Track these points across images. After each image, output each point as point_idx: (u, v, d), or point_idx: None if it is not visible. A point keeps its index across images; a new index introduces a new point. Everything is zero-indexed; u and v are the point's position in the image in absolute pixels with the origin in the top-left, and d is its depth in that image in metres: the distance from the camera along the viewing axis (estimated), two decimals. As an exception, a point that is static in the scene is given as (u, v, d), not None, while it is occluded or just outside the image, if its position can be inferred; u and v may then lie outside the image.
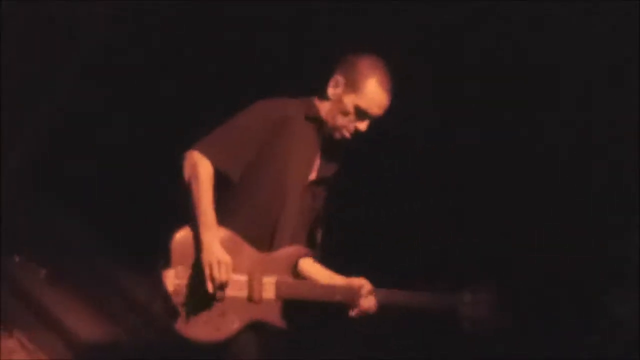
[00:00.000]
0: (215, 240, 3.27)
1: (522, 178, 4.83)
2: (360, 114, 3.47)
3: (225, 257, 3.27)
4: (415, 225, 5.01)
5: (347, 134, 3.51)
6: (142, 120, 5.79)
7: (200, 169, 3.31)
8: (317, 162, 3.58)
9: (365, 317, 3.56)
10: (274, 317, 3.39)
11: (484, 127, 4.88)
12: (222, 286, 3.27)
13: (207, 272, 3.24)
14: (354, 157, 3.76)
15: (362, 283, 3.54)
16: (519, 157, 4.84)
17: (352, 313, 3.53)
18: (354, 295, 3.52)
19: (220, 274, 3.24)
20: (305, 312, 3.60)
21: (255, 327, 3.37)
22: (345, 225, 4.35)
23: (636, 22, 4.37)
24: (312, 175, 3.57)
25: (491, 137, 4.88)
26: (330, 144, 3.57)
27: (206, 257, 3.25)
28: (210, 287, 3.24)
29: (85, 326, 5.03)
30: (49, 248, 5.61)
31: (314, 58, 4.74)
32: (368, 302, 3.52)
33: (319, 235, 3.64)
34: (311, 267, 3.59)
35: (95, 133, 5.88)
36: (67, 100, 5.77)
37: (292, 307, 3.45)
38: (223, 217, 3.34)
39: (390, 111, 3.54)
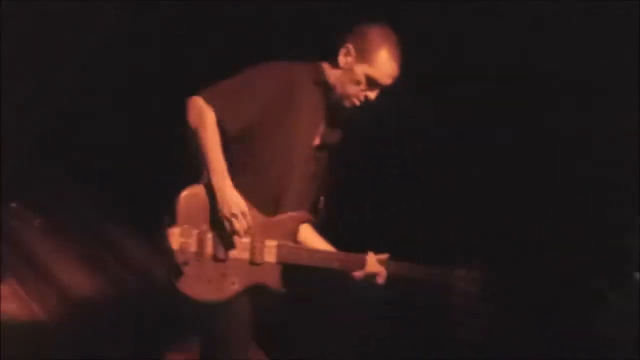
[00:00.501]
0: (229, 185, 3.27)
1: (523, 165, 4.85)
2: (371, 83, 3.49)
3: (242, 205, 3.27)
4: (413, 198, 5.04)
5: (357, 102, 3.52)
6: (142, 77, 5.81)
7: (206, 116, 3.30)
8: (321, 128, 3.58)
9: (369, 286, 3.62)
10: (274, 280, 3.40)
11: (486, 121, 4.91)
12: (243, 234, 3.28)
13: (227, 226, 3.26)
14: (356, 127, 3.78)
15: (370, 256, 3.59)
16: (518, 148, 4.87)
17: (357, 274, 3.56)
18: (353, 264, 3.55)
19: (241, 225, 3.26)
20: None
21: (252, 292, 3.39)
22: (345, 195, 4.35)
23: (636, 22, 4.40)
24: (316, 141, 3.58)
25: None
26: (335, 111, 3.57)
27: (224, 210, 3.26)
28: (236, 239, 3.28)
29: (76, 277, 5.04)
30: (45, 197, 5.63)
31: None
32: (378, 268, 3.57)
33: (322, 202, 3.65)
34: (309, 235, 3.61)
35: (96, 87, 5.88)
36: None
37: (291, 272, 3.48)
38: (230, 177, 3.32)
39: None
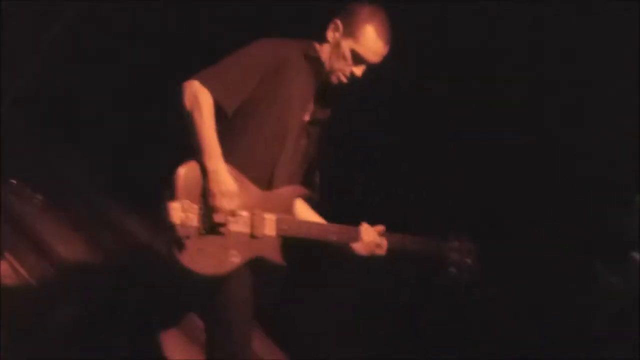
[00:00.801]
0: (221, 168, 3.28)
1: (517, 145, 4.88)
2: (357, 59, 3.52)
3: (232, 186, 3.29)
4: (407, 173, 5.06)
5: (343, 78, 3.56)
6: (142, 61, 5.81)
7: (202, 99, 3.30)
8: (312, 104, 3.61)
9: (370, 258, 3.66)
10: (274, 253, 3.43)
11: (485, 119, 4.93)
12: (228, 216, 3.28)
13: (213, 202, 3.26)
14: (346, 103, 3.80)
15: (364, 226, 3.64)
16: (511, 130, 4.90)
17: (358, 246, 3.60)
18: (349, 236, 3.59)
19: (227, 204, 3.27)
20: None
21: (252, 266, 3.40)
22: (336, 171, 4.36)
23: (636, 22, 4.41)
24: (306, 116, 3.60)
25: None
26: (326, 87, 3.61)
27: (213, 186, 3.26)
28: (217, 217, 3.26)
29: (77, 255, 5.03)
30: (46, 174, 5.61)
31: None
32: (377, 237, 3.63)
33: (316, 178, 3.68)
34: (304, 210, 3.65)
35: (98, 68, 5.88)
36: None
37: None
38: (225, 154, 3.33)
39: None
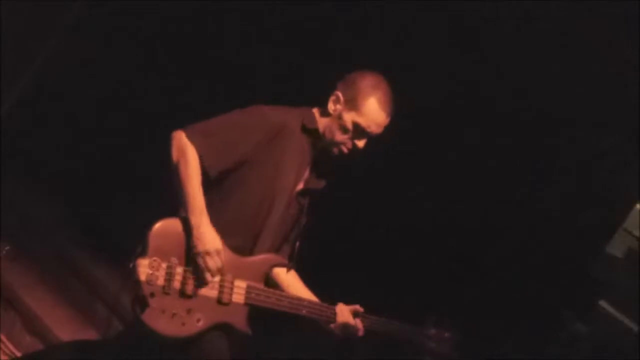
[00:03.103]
0: (206, 223, 3.26)
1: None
2: (359, 131, 3.48)
3: (217, 244, 3.27)
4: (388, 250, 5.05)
5: (344, 150, 3.52)
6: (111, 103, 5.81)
7: (189, 153, 3.28)
8: (307, 173, 3.57)
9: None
10: (240, 321, 3.39)
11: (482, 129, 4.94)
12: (216, 273, 3.27)
13: (200, 262, 3.25)
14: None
15: (340, 305, 3.58)
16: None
17: (333, 327, 3.56)
18: (323, 314, 3.55)
19: (214, 263, 3.25)
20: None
21: (225, 328, 3.37)
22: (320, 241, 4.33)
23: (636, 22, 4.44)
24: (300, 186, 3.56)
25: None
26: (322, 157, 3.57)
27: (201, 245, 3.24)
28: (207, 276, 3.26)
29: (45, 306, 4.99)
30: (13, 224, 5.56)
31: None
32: (353, 320, 3.58)
33: (296, 247, 3.64)
34: (285, 277, 3.61)
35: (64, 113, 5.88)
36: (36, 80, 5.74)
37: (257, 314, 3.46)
38: (207, 213, 3.31)
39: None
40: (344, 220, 5.07)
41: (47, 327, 4.76)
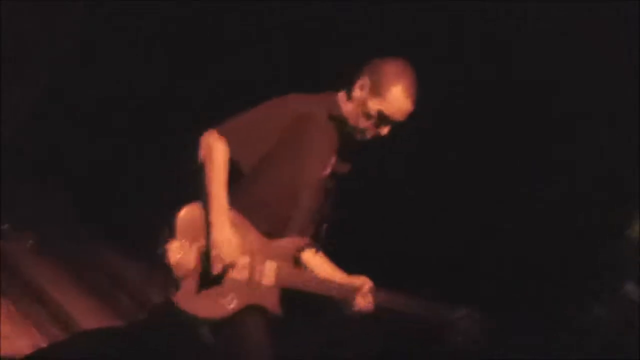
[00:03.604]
0: (224, 222, 3.29)
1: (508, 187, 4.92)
2: (383, 118, 3.49)
3: (234, 240, 3.30)
4: (417, 229, 5.08)
5: (368, 136, 3.55)
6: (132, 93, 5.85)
7: (216, 152, 3.32)
8: (333, 158, 3.60)
9: (361, 316, 3.62)
10: (271, 303, 3.42)
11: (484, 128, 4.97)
12: (226, 268, 3.31)
13: (214, 252, 3.28)
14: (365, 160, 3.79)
15: (363, 282, 3.59)
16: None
17: (348, 312, 3.59)
18: (351, 293, 3.56)
19: (227, 256, 3.29)
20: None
21: (257, 309, 3.39)
22: (349, 224, 4.34)
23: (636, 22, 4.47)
24: (327, 171, 3.59)
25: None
26: (348, 142, 3.60)
27: (215, 237, 3.28)
28: (215, 268, 3.28)
29: (70, 297, 5.03)
30: (36, 218, 5.62)
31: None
32: (365, 300, 3.58)
33: (324, 230, 3.67)
34: (314, 259, 3.64)
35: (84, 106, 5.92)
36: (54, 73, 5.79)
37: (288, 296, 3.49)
38: (235, 199, 3.35)
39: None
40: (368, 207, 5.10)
41: (73, 318, 4.80)
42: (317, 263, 3.63)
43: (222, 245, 3.28)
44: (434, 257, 4.92)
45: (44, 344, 4.55)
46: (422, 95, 3.49)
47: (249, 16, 5.60)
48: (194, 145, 3.38)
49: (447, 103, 4.96)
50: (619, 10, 4.44)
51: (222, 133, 3.36)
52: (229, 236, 3.29)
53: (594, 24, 4.55)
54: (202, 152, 3.36)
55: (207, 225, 3.30)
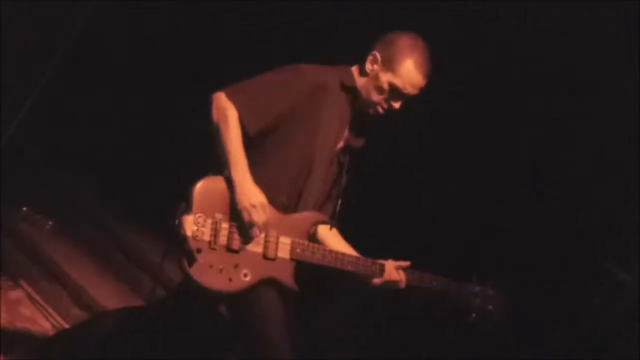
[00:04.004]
0: (249, 179, 3.28)
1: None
2: (395, 92, 3.47)
3: (261, 197, 3.28)
4: (432, 208, 5.09)
5: (380, 110, 3.52)
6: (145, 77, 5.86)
7: (229, 112, 3.30)
8: (346, 132, 3.58)
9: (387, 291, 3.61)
10: (286, 277, 3.39)
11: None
12: (262, 226, 3.28)
13: (245, 217, 3.25)
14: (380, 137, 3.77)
15: (388, 263, 3.57)
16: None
17: (377, 281, 3.55)
18: (369, 270, 3.54)
19: (260, 216, 3.26)
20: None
21: (272, 283, 3.37)
22: (362, 200, 4.33)
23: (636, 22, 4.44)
24: (340, 144, 3.57)
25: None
26: (362, 116, 3.57)
27: (242, 200, 3.25)
28: (254, 231, 3.27)
29: (91, 278, 5.04)
30: (55, 200, 5.63)
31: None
32: (399, 275, 3.57)
33: (338, 205, 3.64)
34: (329, 235, 3.61)
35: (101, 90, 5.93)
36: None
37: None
38: (250, 172, 3.31)
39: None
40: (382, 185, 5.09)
41: (93, 299, 4.80)
42: (331, 238, 3.61)
43: (253, 203, 3.24)
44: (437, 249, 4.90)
45: (66, 325, 4.59)
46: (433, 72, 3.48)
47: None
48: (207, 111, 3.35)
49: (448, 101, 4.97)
50: (619, 10, 4.43)
51: (231, 94, 3.33)
52: (255, 193, 3.26)
53: (593, 24, 4.51)
54: (214, 114, 3.33)
55: (223, 193, 3.28)
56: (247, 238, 3.31)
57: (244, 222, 3.28)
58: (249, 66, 3.50)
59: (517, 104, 4.95)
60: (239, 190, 3.27)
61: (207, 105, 3.35)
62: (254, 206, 3.26)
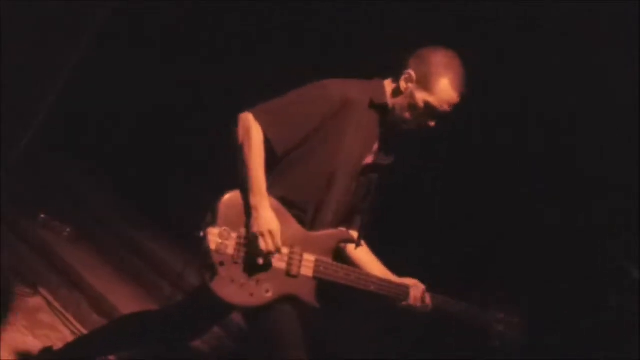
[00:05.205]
0: (265, 206, 3.26)
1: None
2: (430, 110, 3.44)
3: (275, 226, 3.26)
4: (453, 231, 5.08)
5: (413, 127, 3.49)
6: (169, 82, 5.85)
7: (254, 133, 3.28)
8: (376, 148, 3.54)
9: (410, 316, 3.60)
10: (308, 294, 3.37)
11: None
12: (268, 255, 3.27)
13: (254, 241, 3.24)
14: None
15: (415, 282, 3.57)
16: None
17: (403, 305, 3.55)
18: (395, 293, 3.53)
19: (269, 245, 3.25)
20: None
21: (293, 300, 3.35)
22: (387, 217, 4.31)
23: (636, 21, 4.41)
24: (368, 159, 3.53)
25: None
26: (392, 132, 3.53)
27: (257, 226, 3.24)
28: (260, 259, 3.25)
29: (110, 285, 5.04)
30: (73, 206, 5.63)
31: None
32: (423, 299, 3.56)
33: (364, 221, 3.62)
34: (358, 253, 3.60)
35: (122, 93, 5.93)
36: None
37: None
38: (274, 186, 3.32)
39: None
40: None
41: (113, 305, 4.80)
42: (360, 257, 3.60)
43: (264, 231, 3.23)
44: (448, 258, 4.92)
45: (84, 331, 4.59)
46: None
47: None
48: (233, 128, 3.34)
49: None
50: (619, 10, 4.40)
51: (257, 114, 3.31)
52: (270, 220, 3.25)
53: (594, 24, 4.48)
54: (239, 133, 3.31)
55: (247, 209, 3.27)
56: (262, 262, 3.28)
57: (251, 242, 3.26)
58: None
59: (522, 109, 4.92)
60: (253, 214, 3.26)
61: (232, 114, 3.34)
62: (262, 234, 3.24)
